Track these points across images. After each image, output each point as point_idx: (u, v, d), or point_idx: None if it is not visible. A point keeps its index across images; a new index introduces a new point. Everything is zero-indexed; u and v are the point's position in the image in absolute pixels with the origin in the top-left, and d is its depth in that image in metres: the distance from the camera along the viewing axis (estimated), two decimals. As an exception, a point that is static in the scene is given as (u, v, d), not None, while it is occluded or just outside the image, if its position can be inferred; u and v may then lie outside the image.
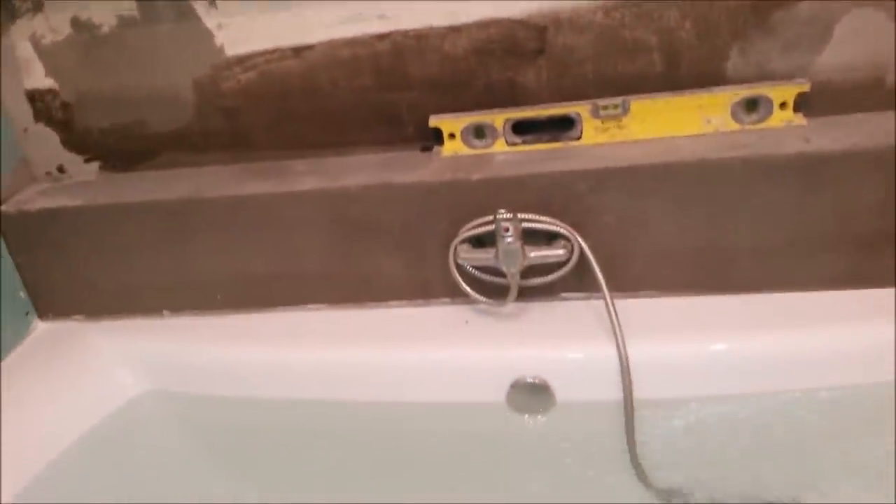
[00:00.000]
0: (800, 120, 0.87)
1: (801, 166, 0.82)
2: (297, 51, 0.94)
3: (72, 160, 1.06)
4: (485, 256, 0.88)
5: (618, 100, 0.88)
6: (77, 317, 1.08)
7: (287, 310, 1.02)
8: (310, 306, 1.02)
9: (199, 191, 0.97)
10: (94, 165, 1.06)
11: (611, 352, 0.85)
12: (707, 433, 0.85)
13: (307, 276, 0.99)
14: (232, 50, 0.95)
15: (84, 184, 1.05)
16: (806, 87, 0.85)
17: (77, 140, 1.05)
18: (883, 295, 0.86)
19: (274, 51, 0.94)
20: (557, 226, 0.87)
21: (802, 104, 0.87)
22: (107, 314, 1.07)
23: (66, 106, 1.02)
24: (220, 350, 1.01)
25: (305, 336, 0.99)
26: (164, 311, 1.05)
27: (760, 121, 0.88)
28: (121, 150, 1.04)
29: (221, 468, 1.06)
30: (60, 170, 1.07)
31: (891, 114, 0.85)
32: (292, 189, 0.94)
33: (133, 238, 1.00)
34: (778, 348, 0.85)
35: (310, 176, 0.96)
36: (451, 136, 0.94)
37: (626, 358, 0.84)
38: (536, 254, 0.87)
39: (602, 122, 0.90)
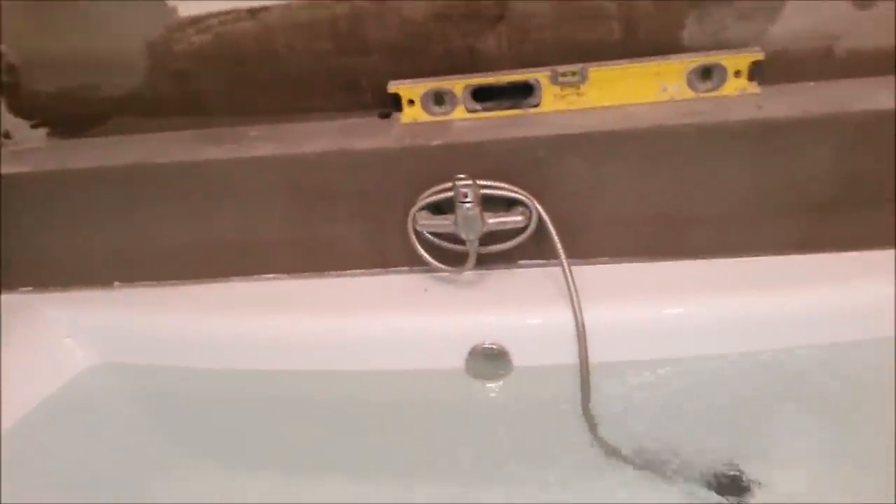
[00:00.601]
0: (753, 88, 0.88)
1: (754, 133, 0.84)
2: (254, 12, 0.92)
3: (17, 125, 1.03)
4: (443, 223, 0.88)
5: (576, 67, 0.89)
6: (25, 289, 1.04)
7: (244, 279, 1.01)
8: (267, 276, 1.00)
9: (151, 156, 0.94)
10: (42, 131, 1.03)
11: (567, 317, 0.86)
12: (660, 395, 0.87)
13: (264, 244, 0.98)
14: (185, 11, 0.92)
15: (31, 150, 1.02)
16: (760, 56, 0.86)
17: (23, 105, 1.01)
18: (832, 259, 0.88)
19: (229, 12, 0.92)
20: (516, 192, 0.87)
21: (756, 72, 0.88)
22: (56, 286, 1.04)
23: (11, 69, 0.98)
24: (174, 321, 0.99)
25: (263, 305, 0.97)
26: (116, 283, 1.03)
27: (715, 88, 0.89)
28: (69, 115, 1.01)
29: (175, 439, 1.05)
30: (6, 136, 1.04)
31: (841, 82, 0.87)
32: (249, 155, 0.92)
33: (83, 206, 0.97)
34: (730, 312, 0.86)
35: (266, 142, 0.94)
36: (411, 102, 0.93)
37: (582, 323, 0.85)
38: (495, 220, 0.87)
39: (561, 89, 0.90)
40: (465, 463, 0.91)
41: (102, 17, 0.93)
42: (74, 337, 1.00)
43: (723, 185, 0.87)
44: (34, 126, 1.03)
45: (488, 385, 0.90)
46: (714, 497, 0.83)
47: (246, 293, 0.99)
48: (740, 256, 0.90)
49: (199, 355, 0.98)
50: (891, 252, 0.86)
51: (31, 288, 1.04)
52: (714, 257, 0.91)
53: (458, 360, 0.90)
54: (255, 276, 1.00)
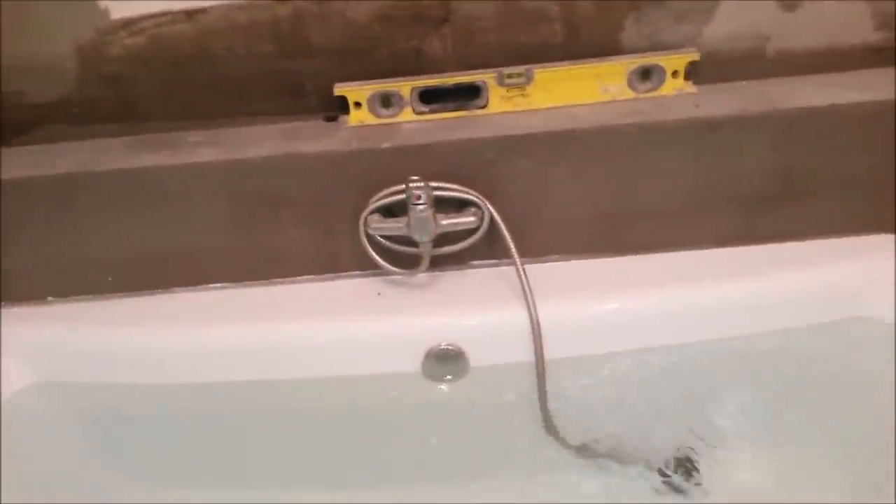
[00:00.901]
0: (690, 87, 0.92)
1: (693, 131, 0.87)
2: (190, 14, 0.89)
3: (-66, 134, 0.96)
4: (396, 226, 0.88)
5: (521, 68, 0.90)
6: (-53, 307, 0.98)
7: (186, 290, 0.97)
8: (211, 286, 0.97)
9: (84, 165, 0.90)
10: (-38, 140, 0.97)
11: (521, 315, 0.87)
12: (615, 387, 0.90)
13: (207, 253, 0.95)
14: (118, 13, 0.88)
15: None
16: (696, 56, 0.90)
17: (-59, 112, 0.95)
18: (767, 250, 0.92)
19: (164, 14, 0.89)
20: (467, 193, 0.88)
21: (692, 72, 0.91)
22: (-21, 304, 0.98)
23: (-74, 75, 0.92)
24: (112, 336, 0.94)
25: (206, 316, 0.94)
26: (49, 297, 0.98)
27: (654, 89, 0.92)
28: (-8, 121, 0.95)
29: (119, 459, 1.00)
30: (-79, 145, 0.97)
31: (771, 80, 0.91)
32: (188, 161, 0.89)
33: (11, 219, 0.91)
34: (674, 304, 0.90)
35: (206, 147, 0.91)
36: (357, 104, 0.92)
37: (537, 320, 0.86)
38: (448, 221, 0.87)
39: (507, 91, 0.91)
40: (425, 465, 0.92)
41: (29, 19, 0.88)
42: (5, 356, 0.94)
43: (664, 183, 0.90)
44: (-47, 134, 0.96)
45: (446, 386, 0.90)
46: (669, 483, 0.86)
47: (190, 304, 0.96)
48: (683, 250, 0.94)
49: (142, 370, 0.94)
50: (827, 241, 0.91)
51: (-47, 307, 0.98)
52: (658, 252, 0.94)
53: (414, 362, 0.90)
54: (200, 286, 0.97)
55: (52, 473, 0.96)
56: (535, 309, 0.86)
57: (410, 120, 0.92)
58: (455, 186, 0.88)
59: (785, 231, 0.93)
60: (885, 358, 0.83)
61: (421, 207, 0.84)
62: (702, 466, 0.87)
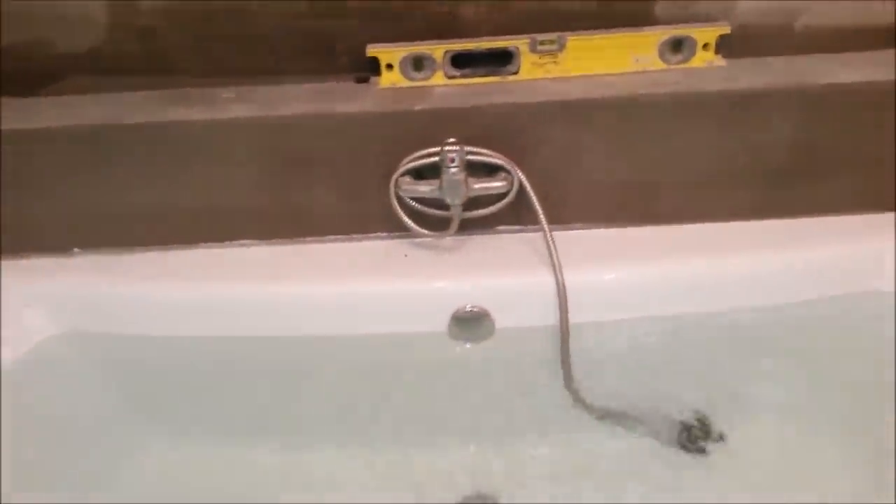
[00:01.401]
0: (720, 61, 0.93)
1: (722, 104, 0.88)
2: (225, -32, 0.88)
3: (-38, 82, 0.95)
4: (427, 188, 0.89)
5: (555, 35, 0.90)
6: (-25, 257, 0.98)
7: (214, 246, 0.98)
8: (239, 242, 0.98)
9: (115, 117, 0.90)
10: (-9, 88, 0.96)
11: (547, 280, 0.89)
12: (635, 353, 0.92)
13: (236, 210, 0.96)
14: (153, -36, 0.88)
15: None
16: (727, 30, 0.91)
17: (-32, 60, 0.94)
18: (787, 224, 0.95)
19: (200, -34, 0.88)
20: (499, 158, 0.89)
21: (722, 46, 0.92)
22: (10, 253, 0.98)
23: (-45, 21, 0.91)
24: (138, 288, 0.95)
25: (233, 272, 0.95)
26: (75, 249, 0.98)
27: (685, 61, 0.93)
28: (21, 72, 0.94)
29: (142, 410, 1.03)
30: (-51, 93, 0.96)
31: (799, 57, 0.93)
32: (221, 117, 0.89)
33: (41, 168, 0.92)
34: (696, 273, 0.92)
35: (239, 104, 0.92)
36: (389, 66, 0.92)
37: (563, 284, 0.88)
38: (479, 185, 0.89)
39: (539, 58, 0.92)
40: (447, 422, 0.94)
41: (62, -33, 0.87)
42: (33, 306, 0.95)
43: (690, 154, 0.92)
44: (-17, 82, 0.96)
45: (471, 347, 0.92)
46: (685, 447, 0.89)
47: (216, 260, 0.97)
48: (705, 221, 0.96)
49: (167, 323, 0.95)
50: (846, 218, 0.93)
51: (-21, 256, 0.98)
52: (681, 223, 0.96)
53: (440, 323, 0.92)
54: (227, 243, 0.98)
55: (75, 420, 0.98)
56: (562, 273, 0.88)
57: (442, 84, 0.93)
58: (486, 151, 0.89)
59: (805, 206, 0.95)
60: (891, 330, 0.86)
61: (454, 170, 0.85)
62: (718, 431, 0.90)
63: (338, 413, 0.96)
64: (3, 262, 0.98)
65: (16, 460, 0.88)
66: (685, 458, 0.90)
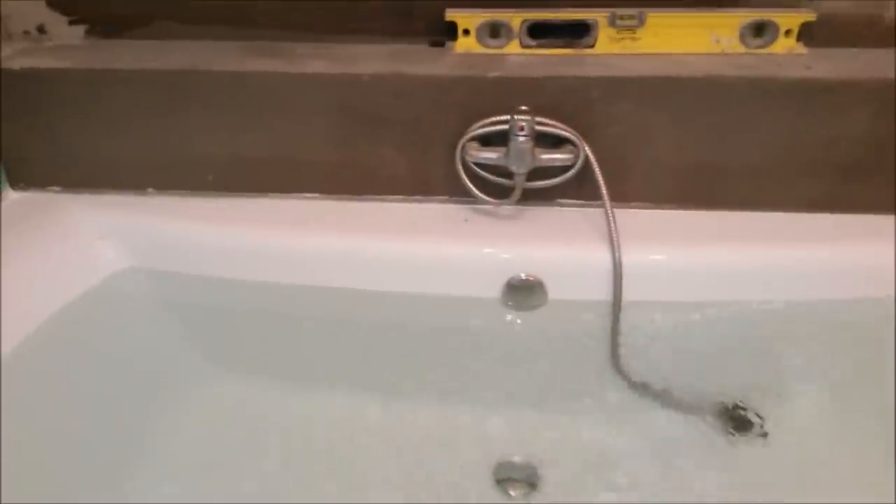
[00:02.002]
0: (800, 48, 0.91)
1: (800, 92, 0.87)
2: (314, -75, 0.90)
3: (55, 20, 1.00)
4: (494, 155, 0.90)
5: (634, 11, 0.90)
6: (54, 188, 1.03)
7: (281, 196, 1.01)
8: (305, 195, 1.01)
9: (197, 63, 0.93)
10: (80, 29, 1.00)
11: (603, 255, 0.90)
12: (684, 336, 0.92)
13: (305, 163, 0.98)
14: (245, -84, 0.90)
15: (69, 47, 0.99)
16: (812, 17, 0.89)
17: (62, -1, 0.98)
18: (850, 220, 0.93)
19: (289, -78, 0.90)
20: (566, 131, 0.89)
21: (804, 33, 0.91)
22: (86, 187, 1.03)
23: (52, -41, 0.95)
24: (208, 230, 0.98)
25: (298, 223, 0.98)
26: (149, 189, 1.02)
27: (765, 46, 0.91)
28: (110, 13, 0.98)
29: (203, 349, 1.07)
30: (41, 30, 1.00)
31: (886, 51, 0.90)
32: (300, 70, 0.92)
33: (122, 109, 0.95)
34: (756, 262, 0.91)
35: (317, 59, 0.94)
36: (466, 32, 0.93)
37: (620, 260, 0.89)
38: (546, 156, 0.89)
39: (617, 33, 0.91)
40: (492, 388, 0.96)
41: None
42: (105, 239, 1.00)
43: (761, 141, 0.91)
44: (72, 23, 1.00)
45: (522, 315, 0.94)
46: (726, 431, 0.90)
47: (283, 210, 1.00)
48: (769, 210, 0.95)
49: (232, 266, 0.98)
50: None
51: (59, 188, 1.03)
52: (745, 209, 0.95)
53: (494, 289, 0.93)
54: (294, 195, 1.01)
55: (136, 352, 1.02)
56: (619, 249, 0.88)
57: (516, 52, 0.93)
58: (555, 123, 0.89)
59: (870, 203, 0.93)
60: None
61: (522, 139, 0.86)
62: (760, 418, 0.90)
63: (384, 368, 0.99)
64: (80, 196, 1.02)
65: (77, 387, 0.93)
66: (724, 441, 0.90)
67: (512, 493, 0.90)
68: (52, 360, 0.92)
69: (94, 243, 1.00)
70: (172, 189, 1.02)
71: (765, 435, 0.90)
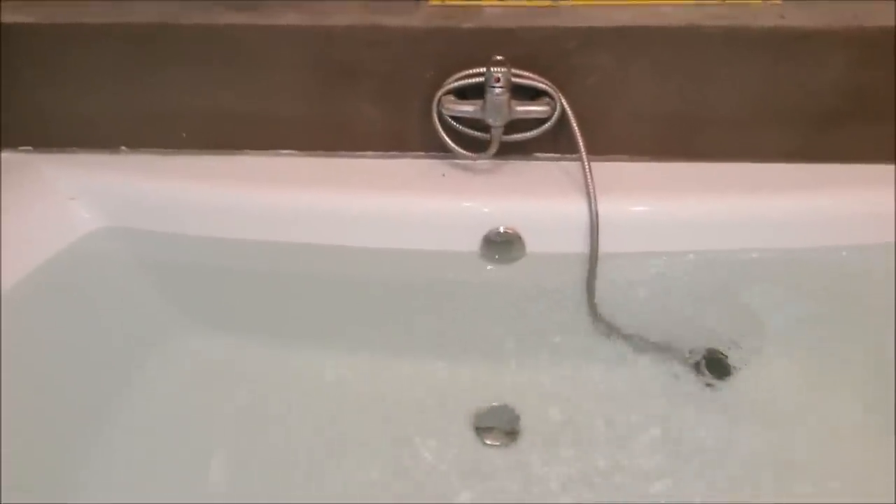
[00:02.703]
0: (775, -1, 0.91)
1: (775, 41, 0.87)
2: None
3: (18, -27, 0.97)
4: (470, 108, 0.89)
5: (611, -39, 0.89)
6: (24, 147, 1.01)
7: (256, 153, 1.00)
8: (280, 151, 1.00)
9: (167, 17, 0.91)
10: (45, -19, 0.97)
11: (580, 207, 0.90)
12: (660, 285, 0.93)
13: (280, 118, 0.97)
14: None
15: (33, 2, 0.96)
16: (787, -33, 0.89)
17: (26, -49, 0.95)
18: (826, 169, 0.94)
19: None
20: (543, 83, 0.89)
21: (780, -17, 0.91)
22: (58, 147, 1.01)
23: None
24: (183, 188, 0.97)
25: (275, 179, 0.97)
26: (122, 147, 1.01)
27: (741, -4, 0.91)
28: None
29: (178, 307, 1.06)
30: (5, -17, 0.98)
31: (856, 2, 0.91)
32: (273, 23, 0.90)
33: (92, 65, 0.93)
34: (731, 212, 0.92)
35: (290, 11, 0.92)
36: (441, -17, 0.92)
37: (596, 212, 0.89)
38: (522, 108, 0.89)
39: (593, -17, 0.91)
40: (472, 339, 0.97)
41: None
42: (78, 199, 0.98)
43: (738, 90, 0.91)
44: (36, -25, 0.97)
45: (500, 268, 0.94)
46: (700, 375, 0.92)
47: (258, 167, 0.99)
48: (746, 161, 0.95)
49: (207, 224, 0.98)
50: (885, 167, 0.93)
51: (31, 147, 1.01)
52: (721, 161, 0.95)
53: (472, 243, 0.93)
54: (269, 151, 1.00)
55: (112, 313, 1.02)
56: (596, 201, 0.89)
57: (494, 4, 0.92)
58: (531, 75, 0.89)
59: (846, 152, 0.94)
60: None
61: (499, 90, 0.86)
62: (734, 365, 0.92)
63: (364, 324, 0.99)
64: (52, 156, 1.00)
65: (53, 348, 0.93)
66: (699, 388, 0.92)
67: (492, 442, 0.92)
68: (26, 322, 0.91)
69: (68, 203, 0.98)
70: (146, 147, 1.01)
71: (736, 378, 0.92)
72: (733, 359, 0.93)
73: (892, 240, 0.89)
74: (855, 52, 0.87)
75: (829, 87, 0.90)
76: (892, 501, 0.79)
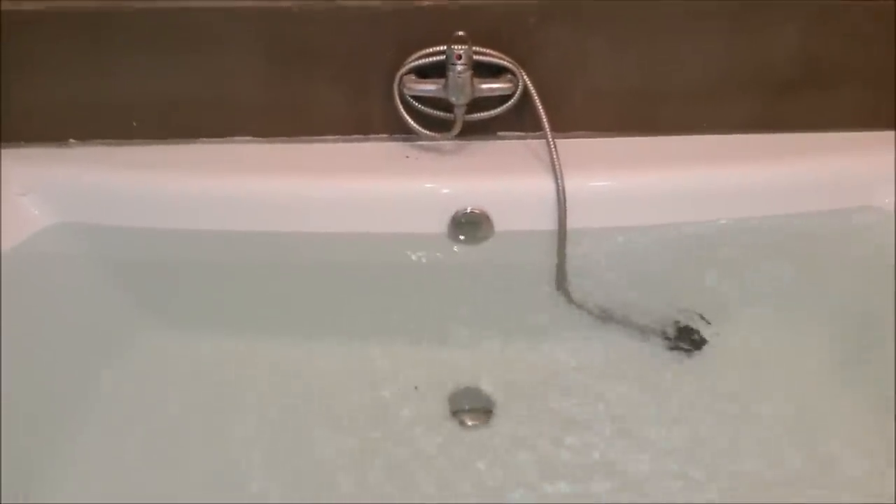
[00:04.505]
0: (732, -32, 0.91)
1: (731, 9, 0.88)
2: None
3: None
4: (432, 87, 0.88)
5: (566, -67, 0.88)
6: (-36, 143, 0.96)
7: (212, 141, 0.97)
8: (237, 138, 0.97)
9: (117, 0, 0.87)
10: (-22, -34, 0.92)
11: (547, 185, 0.90)
12: (629, 259, 0.94)
13: (236, 104, 0.95)
14: None
15: (-33, -13, 0.91)
16: (741, -64, 0.89)
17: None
18: (786, 138, 0.96)
19: None
20: (505, 60, 0.88)
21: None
22: (3, 141, 0.96)
23: None
24: (136, 180, 0.94)
25: (231, 168, 0.94)
26: (71, 140, 0.97)
27: (697, -34, 0.91)
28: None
29: (137, 303, 1.03)
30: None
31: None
32: (225, 4, 0.87)
33: (34, 54, 0.89)
34: (695, 183, 0.93)
35: (242, -8, 0.89)
36: (397, -40, 0.90)
37: (563, 188, 0.89)
38: (485, 86, 0.88)
39: (550, -43, 0.90)
40: (443, 322, 0.96)
41: None
42: (27, 196, 0.94)
43: (698, 62, 0.92)
44: (-30, -40, 0.92)
45: (469, 249, 0.93)
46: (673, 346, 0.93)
47: (214, 155, 0.96)
48: (707, 133, 0.96)
49: (164, 216, 0.95)
50: (844, 134, 0.95)
51: (-28, 143, 0.96)
52: (684, 133, 0.96)
53: (440, 224, 0.92)
54: (226, 139, 0.97)
55: (70, 312, 0.98)
56: (563, 178, 0.89)
57: (450, -20, 0.91)
58: (492, 52, 0.88)
59: (805, 120, 0.96)
60: (887, 243, 0.88)
61: (461, 68, 0.85)
62: (705, 334, 0.93)
63: (332, 310, 0.98)
64: (-1, 150, 0.96)
65: (12, 350, 0.89)
66: (672, 358, 0.93)
67: (468, 422, 0.91)
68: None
69: (16, 199, 0.94)
70: (95, 138, 0.97)
71: (708, 347, 0.94)
72: (704, 328, 0.94)
73: (855, 204, 0.91)
74: (809, 19, 0.88)
75: (784, 54, 0.91)
76: (893, 502, 0.80)
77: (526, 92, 0.89)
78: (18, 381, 0.88)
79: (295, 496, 0.84)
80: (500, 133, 0.97)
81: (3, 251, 0.92)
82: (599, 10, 0.87)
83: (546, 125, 0.89)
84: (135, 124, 0.96)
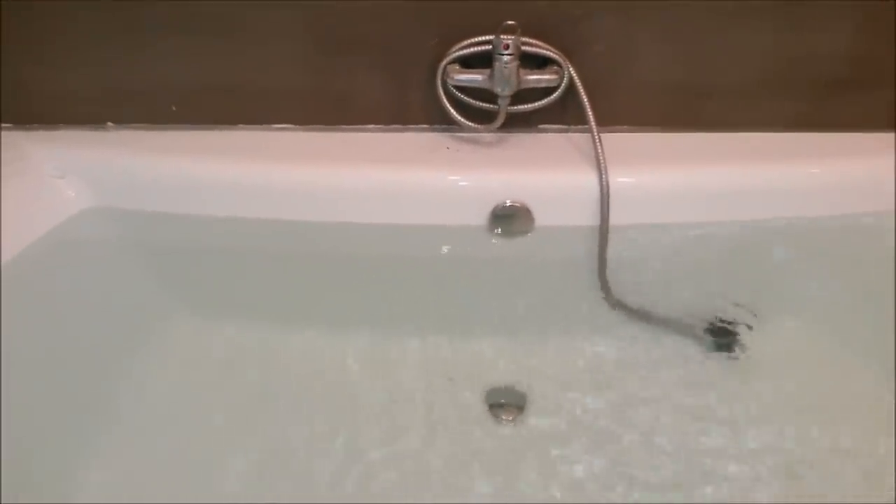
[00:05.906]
0: (783, -36, 0.90)
1: (781, 7, 0.86)
2: None
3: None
4: (478, 77, 0.87)
5: (617, -75, 0.87)
6: (4, 124, 0.96)
7: (252, 128, 0.97)
8: (276, 126, 0.97)
9: (155, -16, 0.87)
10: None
11: (589, 179, 0.88)
12: (672, 257, 0.92)
13: (277, 92, 0.94)
14: None
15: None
16: (795, -69, 0.87)
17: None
18: (830, 138, 0.94)
19: None
20: (551, 51, 0.87)
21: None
22: (40, 123, 0.96)
23: None
24: (174, 165, 0.93)
25: (269, 155, 0.93)
26: (108, 123, 0.96)
27: (747, -39, 0.90)
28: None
29: (169, 287, 1.03)
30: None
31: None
32: (269, -9, 0.86)
33: (75, 36, 0.89)
34: (740, 182, 0.91)
35: (287, -21, 0.88)
36: (443, -52, 0.89)
37: (607, 183, 0.87)
38: (531, 77, 0.87)
39: (599, -52, 0.88)
40: (481, 315, 0.95)
41: None
42: (65, 178, 0.94)
43: (745, 58, 0.90)
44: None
45: (509, 242, 0.92)
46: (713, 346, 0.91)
47: (254, 142, 0.95)
48: (752, 131, 0.95)
49: (201, 202, 0.94)
50: (891, 135, 0.93)
51: (10, 124, 0.96)
52: (728, 130, 0.95)
53: (480, 216, 0.91)
54: (265, 126, 0.96)
55: (103, 296, 0.98)
56: (606, 172, 0.87)
57: (497, -29, 0.90)
58: (539, 43, 0.87)
59: (852, 120, 0.94)
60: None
61: (507, 58, 0.83)
62: (745, 335, 0.92)
63: (367, 301, 0.97)
64: (33, 132, 0.95)
65: (44, 337, 0.89)
66: (712, 357, 0.92)
67: (504, 417, 0.90)
68: (13, 305, 0.87)
69: (53, 182, 0.94)
70: (133, 122, 0.96)
71: (749, 347, 0.92)
72: (744, 327, 0.93)
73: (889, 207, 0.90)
74: (859, 18, 0.87)
75: (833, 53, 0.89)
76: (893, 501, 0.80)
77: (571, 84, 0.88)
78: (52, 361, 0.88)
79: (334, 482, 0.83)
80: (540, 126, 0.96)
81: (39, 235, 0.92)
82: (648, 3, 0.86)
83: (591, 118, 0.87)
84: (173, 108, 0.95)
